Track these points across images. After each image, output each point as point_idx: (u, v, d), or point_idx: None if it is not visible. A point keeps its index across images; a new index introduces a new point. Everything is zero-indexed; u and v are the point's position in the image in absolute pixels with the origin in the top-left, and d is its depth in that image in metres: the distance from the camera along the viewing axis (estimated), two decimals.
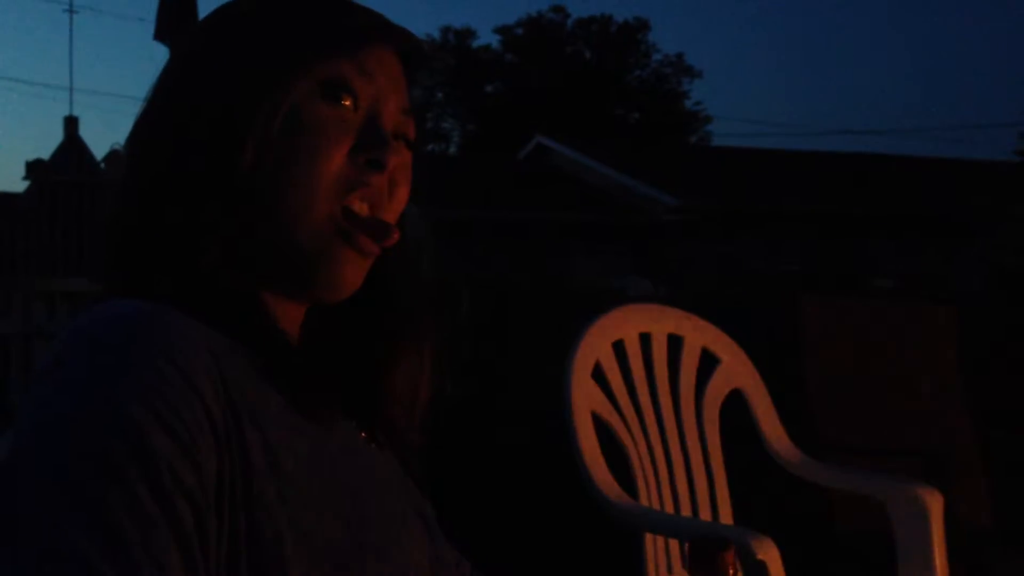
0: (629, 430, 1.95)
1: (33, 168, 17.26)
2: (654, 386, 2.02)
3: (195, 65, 0.74)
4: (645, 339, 2.04)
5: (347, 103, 0.73)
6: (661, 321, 2.08)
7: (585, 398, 1.88)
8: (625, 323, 2.03)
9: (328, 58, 0.73)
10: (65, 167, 16.22)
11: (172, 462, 0.58)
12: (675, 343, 2.08)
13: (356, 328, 0.81)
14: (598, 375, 1.93)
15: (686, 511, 1.97)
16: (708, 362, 2.10)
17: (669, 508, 1.95)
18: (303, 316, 0.78)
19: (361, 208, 0.73)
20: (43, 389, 0.60)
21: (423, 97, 0.89)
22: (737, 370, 2.11)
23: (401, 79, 0.79)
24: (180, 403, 0.59)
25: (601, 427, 1.89)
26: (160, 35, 4.63)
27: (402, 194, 0.78)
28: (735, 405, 2.09)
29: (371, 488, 0.70)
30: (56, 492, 0.56)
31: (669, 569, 1.90)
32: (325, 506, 0.65)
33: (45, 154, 17.03)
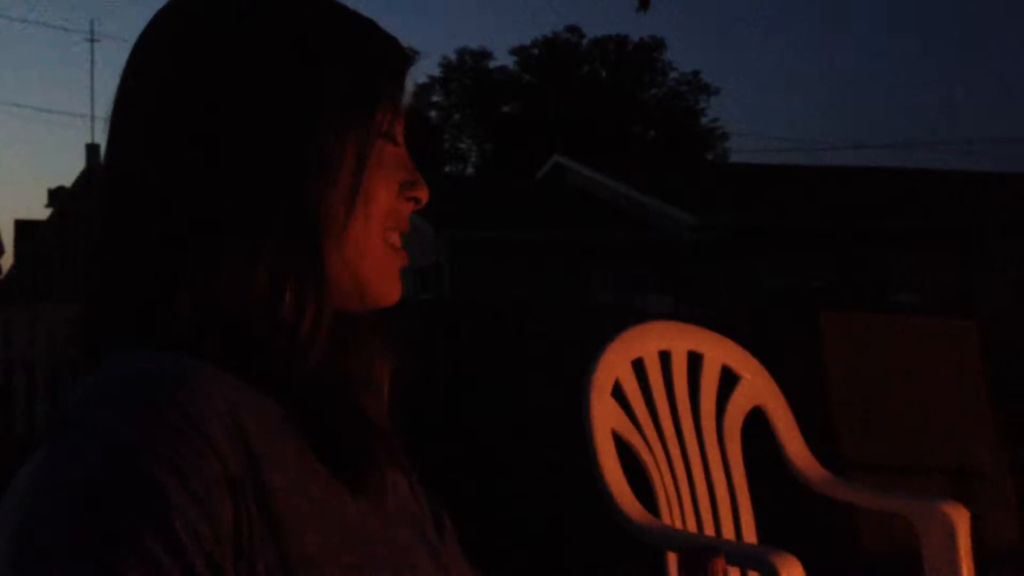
0: (650, 448, 1.94)
1: (55, 195, 17.50)
2: (674, 404, 2.01)
3: (247, 92, 0.70)
4: (665, 357, 2.04)
5: (400, 140, 0.76)
6: (681, 338, 2.08)
7: (605, 417, 1.87)
8: (645, 341, 2.02)
9: (397, 102, 0.75)
10: (87, 194, 16.40)
11: (185, 514, 0.58)
12: (695, 360, 2.07)
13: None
14: (618, 393, 1.93)
15: (709, 530, 1.96)
16: (729, 379, 2.09)
17: (692, 527, 1.94)
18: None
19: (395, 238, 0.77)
20: (55, 450, 0.60)
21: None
22: (758, 387, 2.10)
23: None
24: (194, 456, 0.59)
25: (622, 446, 1.89)
26: None
27: None
28: (757, 422, 2.09)
29: (381, 526, 0.70)
30: (69, 553, 0.56)
31: None
32: (339, 552, 0.65)
33: (67, 182, 17.23)
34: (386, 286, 0.75)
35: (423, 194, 0.77)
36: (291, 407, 0.67)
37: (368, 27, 0.76)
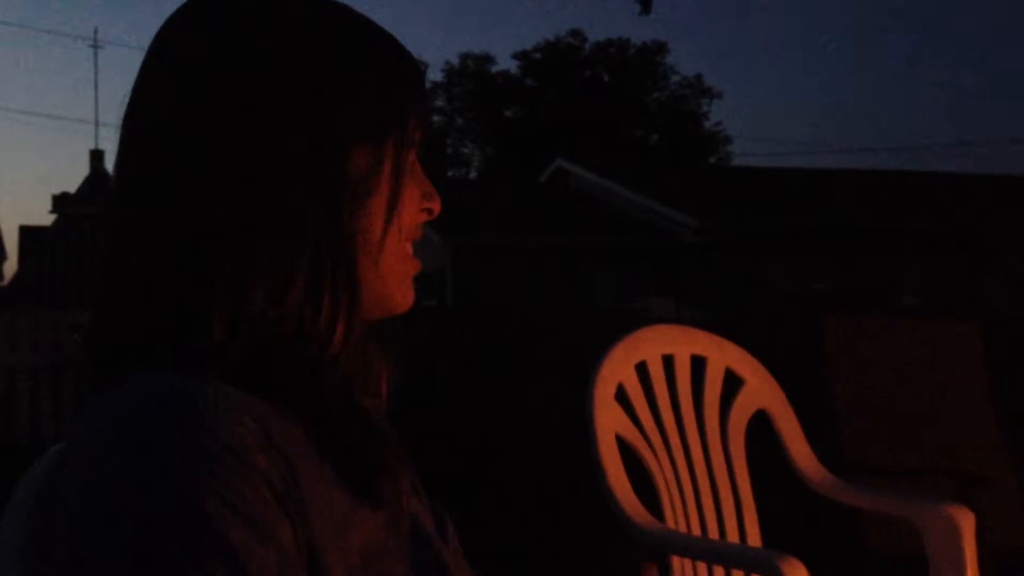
0: (654, 452, 1.94)
1: (60, 201, 17.53)
2: (678, 407, 2.01)
3: (274, 105, 0.67)
4: (668, 361, 2.03)
5: (414, 152, 0.76)
6: (684, 342, 2.08)
7: (609, 421, 1.87)
8: (648, 345, 2.02)
9: (424, 112, 0.75)
10: (91, 200, 16.43)
11: (251, 549, 0.57)
12: (699, 364, 2.07)
13: None
14: (621, 397, 1.93)
15: (713, 533, 1.96)
16: (732, 383, 2.09)
17: (696, 530, 1.94)
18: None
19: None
20: (97, 493, 0.58)
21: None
22: (762, 390, 2.10)
23: None
24: (243, 485, 0.58)
25: (626, 450, 1.89)
26: None
27: None
28: (761, 426, 2.08)
29: (398, 541, 0.70)
30: None
31: None
32: (358, 572, 0.65)
33: (72, 188, 17.26)
34: (402, 294, 0.76)
35: (437, 205, 0.77)
36: (311, 421, 0.66)
37: (391, 38, 0.75)
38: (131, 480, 0.58)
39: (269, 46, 0.68)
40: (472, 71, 35.46)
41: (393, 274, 0.74)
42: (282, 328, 0.66)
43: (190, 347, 0.64)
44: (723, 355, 2.10)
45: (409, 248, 0.76)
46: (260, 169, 0.66)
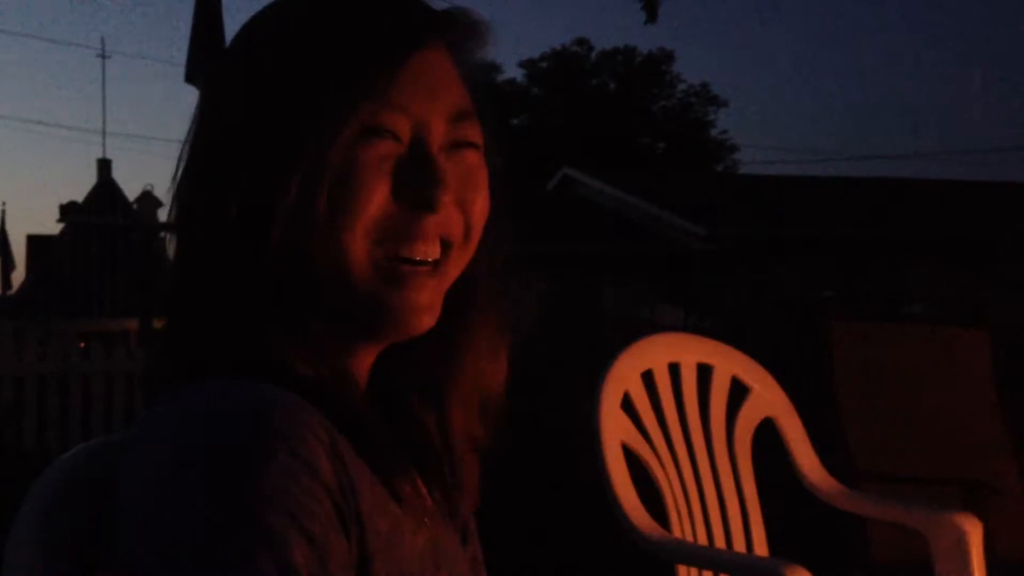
0: (660, 461, 1.94)
1: (67, 211, 17.57)
2: (684, 416, 2.01)
3: (227, 118, 0.69)
4: (674, 368, 2.03)
5: (387, 140, 0.67)
6: (690, 350, 2.07)
7: (615, 429, 1.87)
8: (654, 353, 2.02)
9: (370, 102, 0.66)
10: (98, 209, 16.48)
11: (311, 567, 0.57)
12: (705, 372, 2.07)
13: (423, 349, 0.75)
14: (627, 406, 1.93)
15: (719, 542, 1.95)
16: (739, 391, 2.09)
17: (702, 539, 1.93)
18: (374, 356, 0.74)
19: (427, 252, 0.69)
20: (164, 494, 0.58)
21: (483, 74, 0.84)
22: (768, 398, 2.09)
23: (450, 72, 0.74)
24: (311, 500, 0.58)
25: (632, 458, 1.89)
26: (191, 78, 4.73)
27: (478, 203, 0.74)
28: (768, 434, 2.08)
29: (436, 562, 0.70)
30: None
31: None
32: None
33: (79, 197, 17.29)
34: (393, 314, 0.68)
35: (432, 191, 0.67)
36: (346, 429, 0.65)
37: (363, 9, 0.69)
38: (203, 489, 0.58)
39: (241, 59, 0.71)
40: (479, 80, 35.48)
41: (377, 282, 0.68)
42: (285, 345, 0.67)
43: (242, 358, 0.65)
44: (729, 363, 2.09)
45: (400, 252, 0.68)
46: (232, 187, 0.67)
